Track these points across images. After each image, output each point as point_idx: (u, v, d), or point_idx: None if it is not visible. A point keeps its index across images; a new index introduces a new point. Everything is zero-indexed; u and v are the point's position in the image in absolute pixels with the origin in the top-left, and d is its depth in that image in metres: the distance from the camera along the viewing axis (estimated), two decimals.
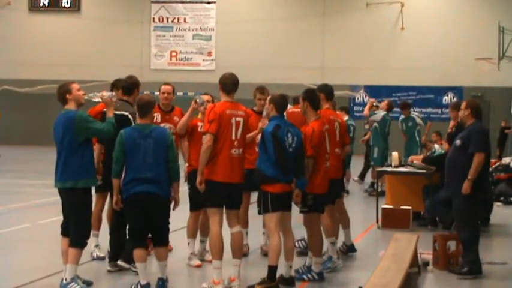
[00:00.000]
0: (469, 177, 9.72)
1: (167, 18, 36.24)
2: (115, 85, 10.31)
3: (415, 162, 14.04)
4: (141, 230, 8.53)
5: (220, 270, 8.60)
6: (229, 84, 8.80)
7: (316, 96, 9.46)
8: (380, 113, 18.43)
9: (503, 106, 31.82)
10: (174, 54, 36.18)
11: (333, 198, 10.00)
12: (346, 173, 17.49)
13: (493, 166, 17.62)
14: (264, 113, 9.65)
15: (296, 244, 10.27)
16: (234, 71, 9.06)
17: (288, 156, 8.67)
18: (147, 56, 36.20)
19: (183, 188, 9.39)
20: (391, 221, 13.33)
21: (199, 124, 9.88)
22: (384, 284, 7.64)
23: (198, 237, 10.34)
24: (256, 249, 10.95)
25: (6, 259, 10.62)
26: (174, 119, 10.48)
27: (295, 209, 9.11)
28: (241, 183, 8.77)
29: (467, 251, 9.91)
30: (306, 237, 10.32)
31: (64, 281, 8.51)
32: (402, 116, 18.72)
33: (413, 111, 22.31)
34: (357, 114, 31.39)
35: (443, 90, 33.62)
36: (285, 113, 9.27)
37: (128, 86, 9.93)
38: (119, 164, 8.51)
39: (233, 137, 8.63)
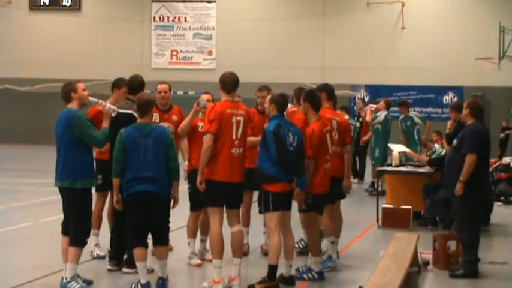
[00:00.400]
0: (460, 179, 9.71)
1: (168, 17, 36.22)
2: (116, 84, 10.28)
3: (416, 160, 14.06)
4: (141, 229, 8.54)
5: (221, 270, 8.61)
6: (229, 83, 8.80)
7: (317, 97, 9.46)
8: (382, 114, 18.45)
9: (504, 106, 31.80)
10: (174, 53, 36.16)
11: (333, 197, 9.99)
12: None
13: (494, 166, 17.63)
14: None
15: (296, 245, 10.27)
16: (234, 70, 9.06)
17: (289, 156, 8.68)
18: (148, 55, 36.17)
19: (183, 187, 9.40)
20: (391, 220, 13.33)
21: (200, 124, 9.89)
22: (384, 284, 7.65)
23: (199, 236, 10.34)
24: (256, 249, 10.95)
25: (7, 257, 10.63)
26: (172, 118, 10.46)
27: (293, 209, 9.11)
28: (241, 183, 8.78)
29: (466, 251, 9.91)
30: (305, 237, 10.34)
31: (64, 280, 8.52)
32: (402, 116, 18.72)
33: (413, 110, 22.30)
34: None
35: (443, 90, 33.60)
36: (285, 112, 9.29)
37: (134, 86, 9.89)
38: (119, 163, 8.51)
39: (234, 137, 8.63)
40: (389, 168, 14.61)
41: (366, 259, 10.77)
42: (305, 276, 9.37)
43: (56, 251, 8.95)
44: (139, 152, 8.45)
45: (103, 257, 10.11)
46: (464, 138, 9.87)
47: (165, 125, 9.94)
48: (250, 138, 9.45)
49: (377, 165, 17.47)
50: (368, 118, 18.63)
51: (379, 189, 15.20)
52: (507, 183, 17.26)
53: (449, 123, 15.59)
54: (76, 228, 8.53)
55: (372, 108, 18.99)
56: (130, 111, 9.35)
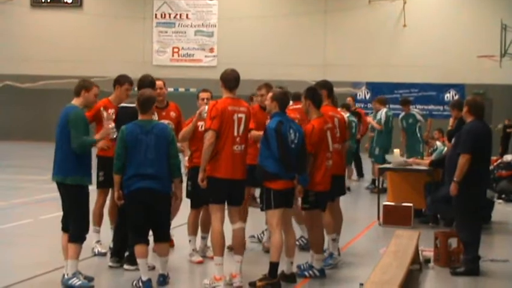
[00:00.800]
0: (454, 179, 9.70)
1: (169, 14, 36.20)
2: (118, 81, 10.26)
3: (415, 166, 14.05)
4: (142, 226, 8.54)
5: (222, 267, 8.61)
6: (231, 80, 8.80)
7: (319, 94, 9.45)
8: (382, 113, 18.46)
9: (505, 103, 31.79)
10: (176, 50, 36.14)
11: (334, 194, 10.00)
12: (347, 169, 17.69)
13: (495, 164, 17.63)
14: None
15: (296, 242, 10.27)
16: (235, 68, 9.05)
17: (291, 153, 8.67)
18: (149, 52, 36.16)
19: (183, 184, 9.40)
20: (392, 218, 13.32)
21: (200, 123, 9.91)
22: (385, 281, 7.64)
23: (200, 233, 10.34)
24: (255, 246, 10.97)
25: (8, 254, 10.62)
26: (170, 115, 10.43)
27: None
28: (243, 180, 8.78)
29: (466, 250, 9.91)
30: (304, 234, 10.33)
31: (66, 276, 8.54)
32: (402, 113, 18.73)
33: (415, 108, 22.29)
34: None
35: (445, 88, 33.57)
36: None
37: (143, 86, 9.80)
38: (121, 160, 8.51)
39: (235, 134, 8.63)
40: (390, 166, 14.60)
41: (367, 256, 10.77)
42: (306, 273, 9.37)
43: (56, 248, 8.96)
44: (140, 149, 8.46)
45: (104, 254, 10.11)
46: (460, 138, 9.88)
47: (165, 122, 9.94)
48: (255, 133, 9.46)
49: (377, 163, 17.48)
50: (376, 125, 18.59)
51: (380, 186, 15.19)
52: (508, 181, 17.24)
53: (450, 120, 15.59)
54: (73, 225, 8.57)
55: (371, 125, 19.00)
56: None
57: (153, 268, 9.10)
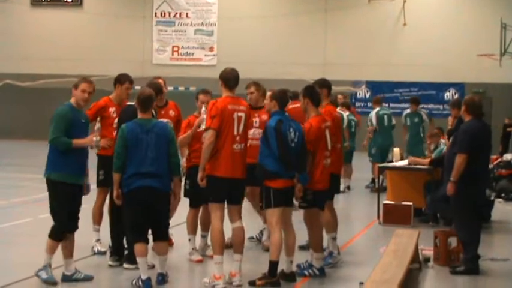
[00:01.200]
0: (451, 179, 9.70)
1: (169, 13, 36.18)
2: (118, 80, 10.25)
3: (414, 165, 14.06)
4: (142, 224, 8.54)
5: (221, 265, 8.61)
6: (231, 79, 8.81)
7: (317, 92, 9.44)
8: (372, 112, 18.58)
9: (505, 102, 31.76)
10: (176, 49, 36.12)
11: (333, 193, 10.01)
12: (347, 168, 17.69)
13: (495, 163, 17.62)
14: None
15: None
16: (235, 66, 9.06)
17: (290, 151, 8.67)
18: (149, 50, 36.14)
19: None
20: (392, 217, 13.32)
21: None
22: (385, 280, 7.64)
23: (199, 232, 10.34)
24: (254, 245, 10.96)
25: (7, 253, 10.62)
26: (169, 113, 10.42)
27: None
28: (243, 179, 8.78)
29: (465, 250, 9.90)
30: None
31: (64, 274, 8.64)
32: (408, 111, 18.74)
33: (422, 108, 22.28)
34: (359, 110, 31.39)
35: (445, 87, 33.55)
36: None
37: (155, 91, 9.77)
38: (120, 159, 8.50)
39: (235, 132, 8.63)
40: (390, 165, 14.59)
41: (366, 255, 10.77)
42: (306, 272, 9.37)
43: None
44: (141, 148, 8.45)
45: (104, 253, 10.11)
46: (457, 137, 9.89)
47: (164, 121, 9.94)
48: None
49: (375, 162, 17.52)
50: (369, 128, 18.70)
51: (380, 185, 15.20)
52: (508, 180, 17.23)
53: (449, 119, 15.59)
54: (53, 221, 8.63)
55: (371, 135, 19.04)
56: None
57: (152, 267, 9.10)
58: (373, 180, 18.44)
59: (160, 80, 10.59)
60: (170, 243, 10.66)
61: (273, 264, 8.69)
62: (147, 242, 8.60)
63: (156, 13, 36.23)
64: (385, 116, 18.55)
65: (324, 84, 10.01)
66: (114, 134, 9.41)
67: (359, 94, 34.12)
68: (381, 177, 15.68)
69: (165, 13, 36.19)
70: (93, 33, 35.99)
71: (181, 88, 32.30)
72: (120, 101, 10.15)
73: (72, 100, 8.73)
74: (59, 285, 8.61)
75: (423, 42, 32.92)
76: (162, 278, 8.67)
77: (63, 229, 8.62)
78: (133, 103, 9.29)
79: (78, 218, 8.77)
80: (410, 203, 13.35)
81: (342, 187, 15.62)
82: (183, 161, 10.16)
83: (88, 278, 8.79)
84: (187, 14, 36.03)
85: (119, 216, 9.06)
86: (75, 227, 8.75)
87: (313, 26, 34.47)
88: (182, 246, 10.55)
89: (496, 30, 30.51)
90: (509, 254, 11.12)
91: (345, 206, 15.72)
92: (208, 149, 8.54)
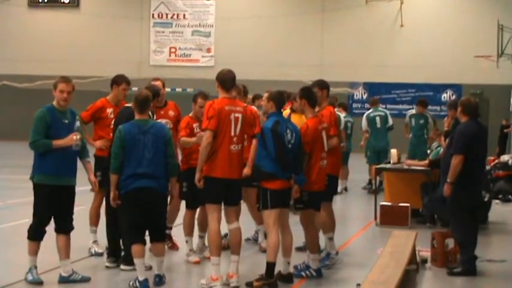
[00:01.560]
0: (448, 180, 9.70)
1: (166, 14, 36.20)
2: (115, 81, 10.24)
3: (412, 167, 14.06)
4: (139, 225, 8.53)
5: (219, 267, 8.61)
6: (228, 81, 8.80)
7: (314, 93, 9.44)
8: (364, 116, 18.68)
9: (502, 104, 31.76)
10: (173, 50, 36.15)
11: (331, 194, 10.00)
12: (343, 170, 17.70)
13: (492, 164, 17.62)
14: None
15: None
16: (233, 68, 9.06)
17: (287, 152, 8.67)
18: (146, 52, 36.16)
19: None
20: (389, 218, 13.31)
21: (195, 125, 9.92)
22: (382, 281, 7.64)
23: (197, 232, 10.33)
24: (250, 246, 10.97)
25: (4, 254, 10.60)
26: (169, 114, 10.43)
27: None
28: (240, 180, 8.79)
29: (461, 251, 9.90)
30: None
31: (61, 275, 8.65)
32: (413, 111, 18.78)
33: (413, 108, 22.29)
34: (356, 111, 31.43)
35: (442, 88, 33.59)
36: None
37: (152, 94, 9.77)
38: (118, 160, 8.50)
39: (232, 133, 8.63)
40: (387, 166, 14.60)
41: (364, 257, 10.77)
42: (303, 273, 9.36)
43: (52, 249, 8.93)
44: (138, 149, 8.45)
45: (101, 254, 10.09)
46: (453, 138, 9.90)
47: (163, 121, 9.93)
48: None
49: (371, 164, 17.56)
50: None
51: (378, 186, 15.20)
52: (505, 181, 17.24)
53: (445, 120, 15.62)
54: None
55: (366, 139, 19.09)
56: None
57: (150, 268, 9.09)
58: (370, 182, 18.46)
59: (159, 82, 10.56)
60: (174, 247, 10.68)
61: (270, 266, 8.68)
62: (144, 243, 8.60)
63: (153, 14, 36.26)
64: (377, 118, 18.55)
65: (324, 85, 9.99)
66: (111, 135, 9.39)
67: (356, 95, 34.15)
68: (378, 178, 15.67)
69: (162, 14, 36.22)
70: (90, 34, 36.00)
71: (178, 89, 32.31)
72: (117, 102, 10.15)
73: (54, 102, 8.73)
74: (57, 286, 8.61)
75: (420, 43, 32.98)
76: (160, 280, 8.66)
77: (37, 228, 8.62)
78: (130, 105, 9.29)
79: (66, 219, 8.74)
80: (408, 204, 13.35)
81: (339, 188, 15.68)
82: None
83: (85, 280, 8.78)
84: (184, 15, 36.05)
85: (115, 218, 9.06)
86: (66, 228, 8.74)
87: (310, 27, 34.50)
88: (179, 248, 10.55)
89: (493, 31, 30.54)
90: (507, 255, 11.12)
91: (342, 207, 15.73)
92: (206, 150, 8.53)
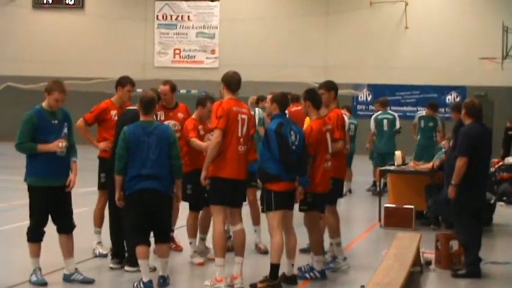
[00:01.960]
0: (452, 182, 9.70)
1: (171, 16, 36.22)
2: (120, 83, 10.24)
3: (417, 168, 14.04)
4: (143, 226, 8.53)
5: (223, 268, 8.62)
6: (234, 83, 8.83)
7: (318, 95, 9.45)
8: (372, 117, 18.69)
9: (507, 106, 31.73)
10: (177, 51, 36.15)
11: (335, 197, 9.99)
12: (348, 172, 17.69)
13: (496, 166, 17.60)
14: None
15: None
16: (237, 69, 9.08)
17: (291, 154, 8.67)
18: (151, 53, 36.17)
19: None
20: (393, 220, 13.31)
21: (200, 127, 9.92)
22: (386, 283, 7.64)
23: (198, 234, 10.33)
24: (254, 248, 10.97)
25: (8, 256, 10.63)
26: (178, 116, 10.42)
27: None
28: (245, 180, 8.81)
29: (466, 253, 9.89)
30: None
31: (66, 273, 8.76)
32: (423, 113, 18.76)
33: (417, 110, 22.29)
34: (360, 113, 31.43)
35: (446, 90, 33.54)
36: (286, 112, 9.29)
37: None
38: (122, 161, 8.51)
39: (239, 134, 8.65)
40: (391, 168, 14.59)
41: (368, 259, 10.76)
42: (307, 275, 9.36)
43: (56, 249, 8.94)
44: (142, 150, 8.45)
45: (105, 255, 10.09)
46: (457, 140, 9.89)
47: (170, 123, 9.93)
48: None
49: (377, 166, 17.55)
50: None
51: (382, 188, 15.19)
52: (510, 183, 17.20)
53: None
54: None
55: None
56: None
57: (154, 269, 9.09)
58: (374, 184, 18.45)
59: (166, 87, 10.41)
60: (178, 248, 10.68)
61: (274, 267, 8.68)
62: (148, 244, 8.60)
63: (157, 16, 36.28)
64: (385, 121, 18.53)
65: (331, 86, 9.94)
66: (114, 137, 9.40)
67: (360, 97, 34.12)
68: (382, 180, 15.67)
69: (166, 16, 36.23)
70: (95, 35, 36.03)
71: (182, 91, 32.26)
72: (122, 103, 10.15)
73: (44, 103, 8.73)
74: (62, 287, 8.62)
75: (425, 45, 32.93)
76: (164, 281, 8.67)
77: (34, 230, 8.65)
78: (134, 107, 9.30)
79: (65, 219, 8.77)
80: (412, 206, 13.34)
81: (343, 190, 15.67)
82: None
83: (88, 281, 8.79)
84: (188, 16, 36.06)
85: (119, 219, 9.07)
86: (66, 227, 8.78)
87: (314, 28, 34.48)
88: (184, 249, 10.56)
89: (497, 33, 30.50)
90: (511, 257, 11.11)
91: (346, 209, 15.71)
92: (215, 149, 8.54)
